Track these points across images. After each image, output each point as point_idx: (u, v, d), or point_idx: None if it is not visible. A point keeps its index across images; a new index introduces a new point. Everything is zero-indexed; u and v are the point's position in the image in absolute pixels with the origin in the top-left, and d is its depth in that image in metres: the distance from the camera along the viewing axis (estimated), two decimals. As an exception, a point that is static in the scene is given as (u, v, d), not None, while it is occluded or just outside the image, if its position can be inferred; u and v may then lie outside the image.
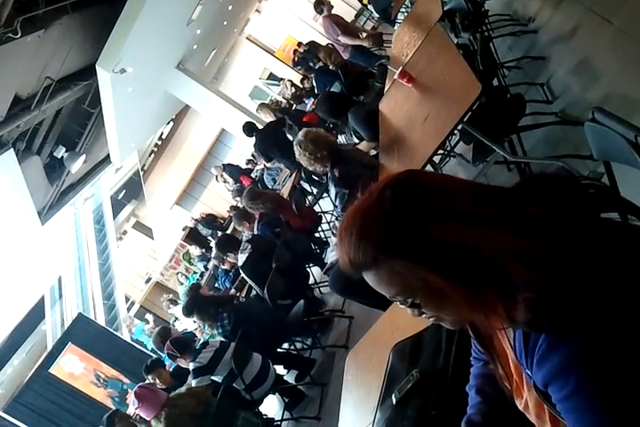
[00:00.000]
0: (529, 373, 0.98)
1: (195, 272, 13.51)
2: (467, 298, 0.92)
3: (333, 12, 7.91)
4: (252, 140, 8.56)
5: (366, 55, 7.71)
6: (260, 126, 8.77)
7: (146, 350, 11.18)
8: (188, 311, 5.15)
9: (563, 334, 0.87)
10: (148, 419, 4.18)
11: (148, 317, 13.62)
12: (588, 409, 0.83)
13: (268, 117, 9.07)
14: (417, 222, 0.92)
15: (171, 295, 12.77)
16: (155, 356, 7.90)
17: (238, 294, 6.37)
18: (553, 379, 0.88)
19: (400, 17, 8.32)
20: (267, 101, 14.79)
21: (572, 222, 0.90)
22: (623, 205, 0.98)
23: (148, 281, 20.13)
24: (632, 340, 0.81)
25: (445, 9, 4.79)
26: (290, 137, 8.34)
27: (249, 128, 8.67)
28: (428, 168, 3.78)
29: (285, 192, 7.24)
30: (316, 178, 7.14)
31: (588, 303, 0.84)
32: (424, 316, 1.04)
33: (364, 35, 7.81)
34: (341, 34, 7.48)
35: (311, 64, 10.01)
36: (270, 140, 8.11)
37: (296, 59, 12.12)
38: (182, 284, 13.01)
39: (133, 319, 14.12)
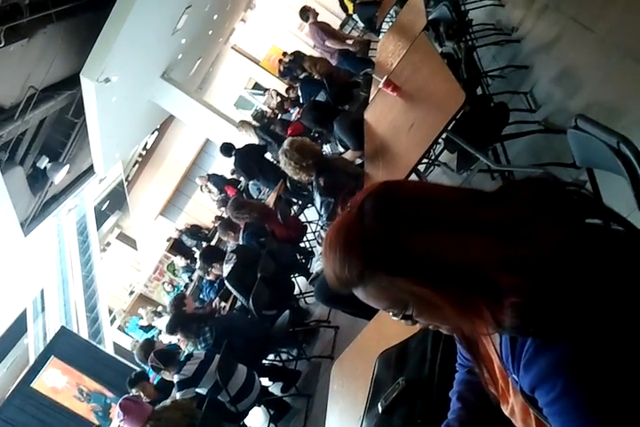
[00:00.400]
0: (515, 377, 0.97)
1: (179, 283, 13.44)
2: (455, 307, 0.91)
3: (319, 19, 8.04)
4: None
5: (354, 60, 7.84)
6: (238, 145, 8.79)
7: (130, 364, 11.04)
8: (171, 329, 5.10)
9: (550, 338, 0.86)
10: None
11: (142, 311, 13.50)
12: (575, 413, 0.82)
13: (248, 135, 9.08)
14: (398, 236, 0.91)
15: (160, 307, 12.69)
16: (138, 369, 7.82)
17: (223, 305, 6.32)
18: (540, 382, 0.88)
19: (385, 26, 8.37)
20: (250, 114, 14.78)
21: (556, 227, 0.89)
22: (605, 212, 0.98)
23: (131, 293, 19.97)
24: (619, 343, 0.80)
25: (430, 18, 4.82)
26: (270, 154, 8.41)
27: (226, 148, 8.72)
28: (413, 177, 3.79)
29: (270, 202, 7.22)
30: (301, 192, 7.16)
31: (574, 307, 0.84)
32: (419, 325, 1.04)
33: (351, 41, 7.92)
34: (328, 39, 7.60)
35: (295, 74, 10.07)
36: (250, 159, 8.16)
37: (281, 69, 12.16)
38: (169, 293, 12.92)
39: (127, 314, 13.96)
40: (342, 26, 15.69)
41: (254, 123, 9.85)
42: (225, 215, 9.43)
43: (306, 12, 7.94)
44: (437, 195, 0.97)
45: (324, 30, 7.78)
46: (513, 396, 1.06)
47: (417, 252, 0.90)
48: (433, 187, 1.03)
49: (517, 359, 0.93)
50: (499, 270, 0.87)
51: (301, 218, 7.17)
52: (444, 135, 3.20)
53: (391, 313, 1.00)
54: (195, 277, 11.09)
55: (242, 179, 11.58)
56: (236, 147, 8.57)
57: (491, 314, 0.90)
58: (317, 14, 8.05)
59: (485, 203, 0.95)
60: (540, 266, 0.85)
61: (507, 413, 1.12)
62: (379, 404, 1.78)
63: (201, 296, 8.29)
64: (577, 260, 0.85)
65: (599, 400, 0.80)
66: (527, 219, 0.90)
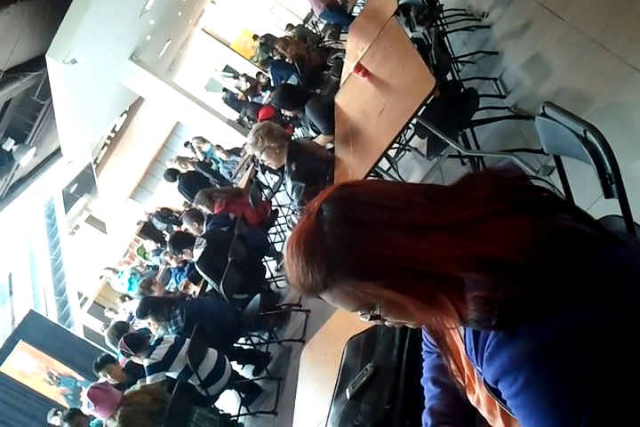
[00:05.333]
0: (479, 369, 0.98)
1: (149, 266, 13.21)
2: (421, 306, 0.92)
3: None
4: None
5: (339, 14, 8.33)
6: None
7: (100, 347, 10.96)
8: (142, 313, 5.05)
9: (512, 331, 0.87)
10: (104, 420, 4.11)
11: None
12: (537, 405, 0.83)
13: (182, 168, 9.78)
14: (358, 240, 0.91)
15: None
16: (105, 351, 7.76)
17: (193, 290, 6.30)
18: (502, 375, 0.88)
19: (356, 10, 8.35)
20: (221, 97, 14.66)
21: (517, 222, 0.89)
22: (567, 207, 0.98)
23: (101, 277, 19.74)
24: (581, 336, 0.81)
25: (400, 3, 4.81)
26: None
27: (170, 173, 9.55)
28: (384, 162, 3.80)
29: (242, 185, 7.21)
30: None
31: (535, 300, 0.85)
32: (387, 323, 1.04)
33: None
34: None
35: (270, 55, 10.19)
36: (195, 182, 8.65)
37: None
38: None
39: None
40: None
41: (194, 159, 10.41)
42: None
43: None
44: (395, 196, 0.97)
45: None
46: (479, 387, 1.07)
47: (378, 255, 0.90)
48: (390, 187, 1.03)
49: (481, 352, 0.94)
50: (461, 268, 0.87)
51: (273, 202, 7.16)
52: (414, 120, 3.21)
53: (360, 314, 1.01)
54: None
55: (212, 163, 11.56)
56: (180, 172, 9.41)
57: (455, 308, 0.91)
58: None
59: (445, 200, 0.95)
60: (503, 261, 0.86)
61: (473, 402, 1.14)
62: (347, 390, 1.80)
63: (171, 281, 8.24)
64: (540, 254, 0.85)
65: (561, 393, 0.81)
66: (488, 215, 0.90)
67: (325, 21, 8.72)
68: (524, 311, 0.85)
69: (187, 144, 12.97)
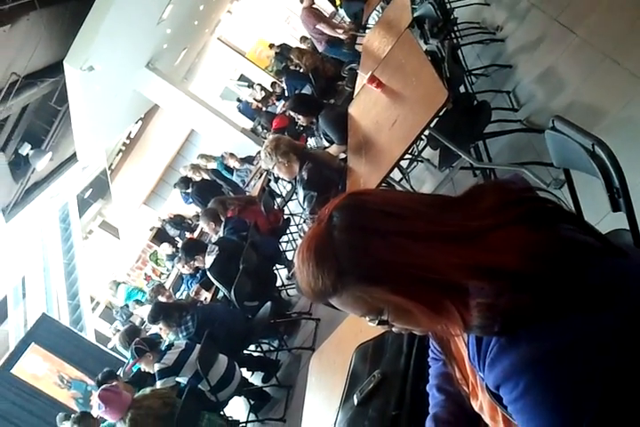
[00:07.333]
0: (481, 375, 1.01)
1: (162, 273, 13.25)
2: (427, 312, 0.94)
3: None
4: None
5: (340, 49, 8.14)
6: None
7: (111, 351, 11.00)
8: (153, 319, 5.11)
9: (513, 337, 0.89)
10: (113, 422, 4.16)
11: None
12: (537, 410, 0.85)
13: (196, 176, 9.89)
14: (367, 246, 0.94)
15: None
16: (115, 356, 7.78)
17: (205, 297, 6.34)
18: (504, 381, 0.91)
19: (371, 22, 8.40)
20: (236, 106, 14.75)
21: (520, 232, 0.92)
22: (570, 218, 1.00)
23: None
24: (579, 343, 0.84)
25: (415, 15, 4.85)
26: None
27: (184, 182, 9.72)
28: (396, 172, 3.84)
29: (255, 193, 7.25)
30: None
31: (537, 308, 0.87)
32: (394, 329, 1.07)
33: (341, 31, 8.09)
34: (319, 23, 7.88)
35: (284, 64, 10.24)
36: (208, 191, 8.79)
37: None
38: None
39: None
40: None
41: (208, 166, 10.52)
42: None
43: None
44: (404, 204, 1.00)
45: (315, 15, 7.96)
46: (481, 393, 1.09)
47: (386, 261, 0.93)
48: (399, 196, 1.07)
49: (483, 358, 0.96)
50: (466, 275, 0.90)
51: (285, 210, 7.19)
52: (426, 132, 3.24)
53: (368, 319, 1.03)
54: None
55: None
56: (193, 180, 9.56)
57: (459, 315, 0.93)
58: (313, 2, 8.29)
59: (452, 210, 0.98)
60: (506, 270, 0.88)
61: (476, 409, 1.16)
62: (354, 396, 1.82)
63: (182, 288, 8.28)
64: (542, 264, 0.88)
65: (561, 399, 0.83)
66: (493, 225, 0.93)
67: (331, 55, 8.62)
68: (526, 318, 0.88)
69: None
